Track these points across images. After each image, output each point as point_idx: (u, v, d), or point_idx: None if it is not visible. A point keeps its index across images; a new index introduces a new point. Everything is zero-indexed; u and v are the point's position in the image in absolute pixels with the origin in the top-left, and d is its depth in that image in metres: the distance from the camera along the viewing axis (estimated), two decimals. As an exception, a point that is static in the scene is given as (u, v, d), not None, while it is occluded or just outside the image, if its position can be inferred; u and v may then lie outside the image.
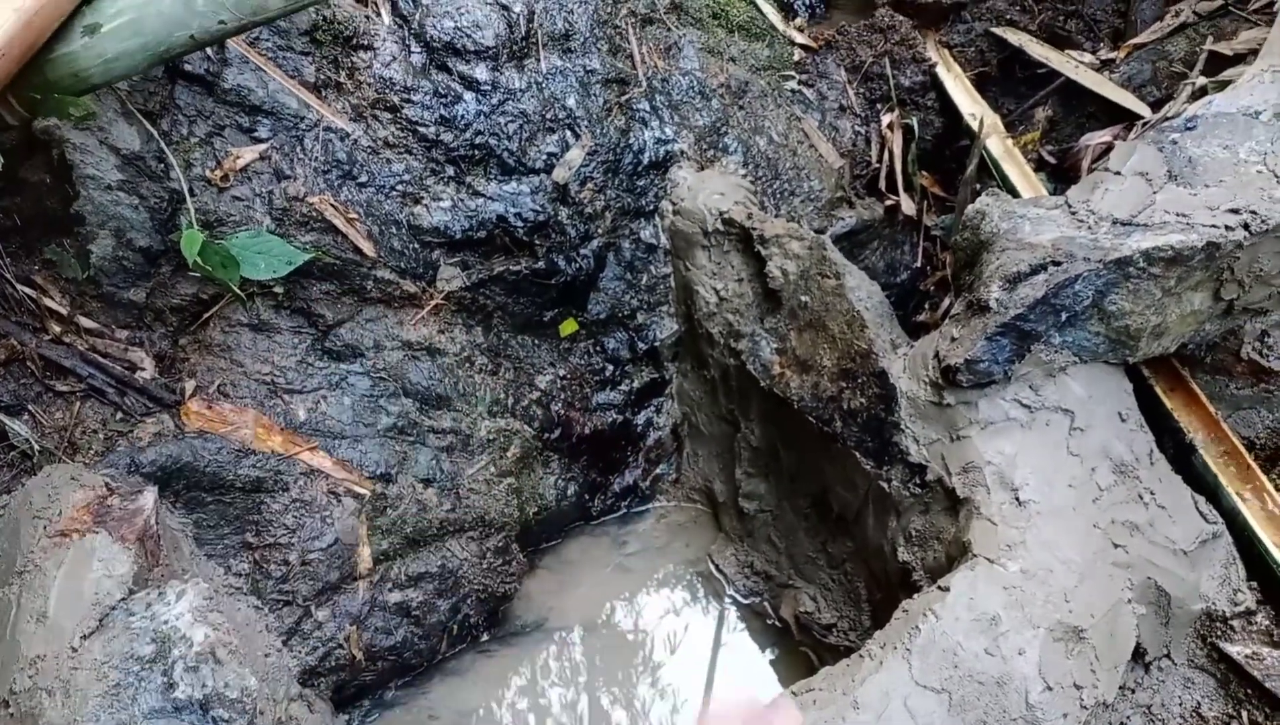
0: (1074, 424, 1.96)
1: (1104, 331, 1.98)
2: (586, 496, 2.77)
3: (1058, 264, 1.95)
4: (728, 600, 2.61)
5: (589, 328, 2.72)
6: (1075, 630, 1.65)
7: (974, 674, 1.59)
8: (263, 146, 2.32)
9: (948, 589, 1.70)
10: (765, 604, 2.60)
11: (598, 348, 2.74)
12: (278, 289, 2.31)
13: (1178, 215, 1.97)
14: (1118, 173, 2.15)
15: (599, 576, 2.70)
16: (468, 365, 2.53)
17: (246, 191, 2.27)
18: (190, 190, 2.16)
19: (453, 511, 2.41)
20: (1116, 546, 1.81)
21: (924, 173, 3.20)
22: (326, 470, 2.27)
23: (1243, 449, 2.04)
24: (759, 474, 2.65)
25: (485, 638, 2.53)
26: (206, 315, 2.29)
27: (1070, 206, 2.09)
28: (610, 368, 2.75)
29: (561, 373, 2.69)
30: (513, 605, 2.60)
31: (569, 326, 2.69)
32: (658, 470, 2.87)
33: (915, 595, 1.77)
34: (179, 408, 2.20)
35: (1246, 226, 1.94)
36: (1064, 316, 1.95)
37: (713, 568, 2.69)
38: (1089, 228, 2.01)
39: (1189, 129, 2.20)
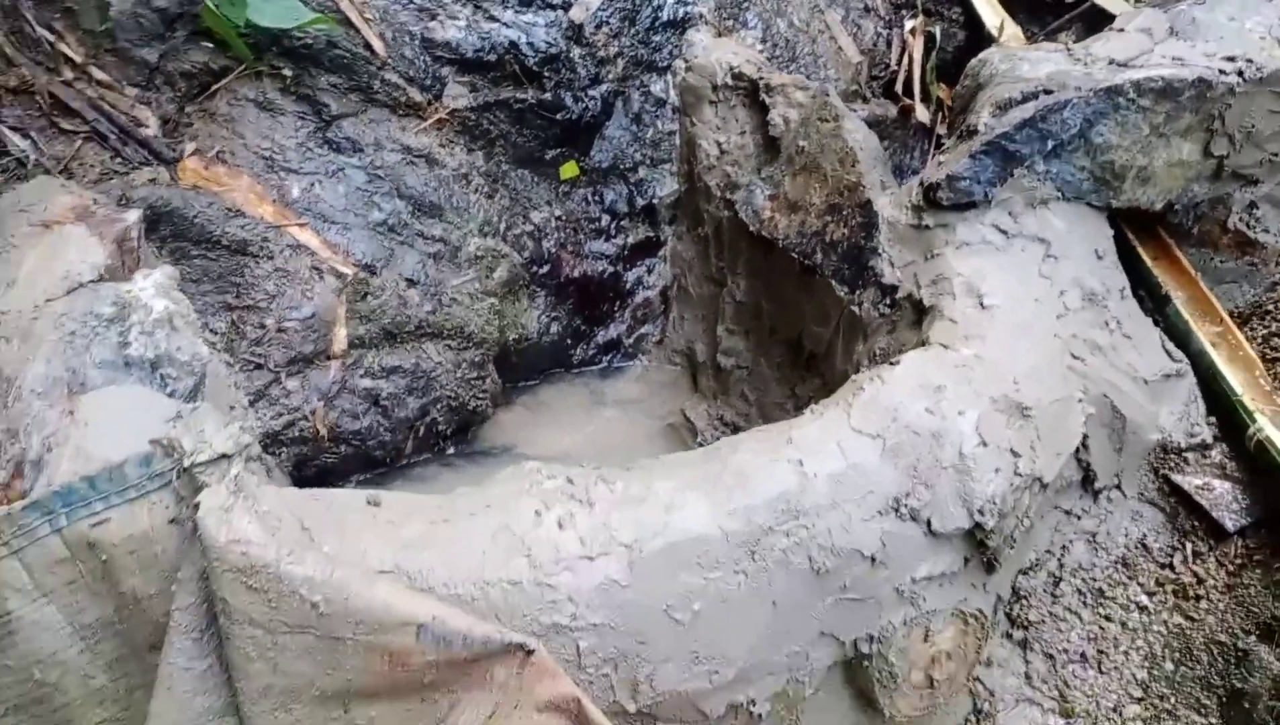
0: (1049, 252, 1.96)
1: (1089, 166, 1.98)
2: (569, 341, 2.79)
3: (1049, 92, 1.96)
4: (695, 446, 2.61)
5: (589, 175, 2.76)
6: (1020, 407, 1.64)
7: (910, 426, 1.59)
8: (290, -64, 2.38)
9: (898, 363, 1.71)
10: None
11: (596, 197, 2.78)
12: (286, 71, 2.36)
13: (1173, 58, 1.98)
14: (1122, 30, 2.16)
15: (572, 417, 2.71)
16: (464, 182, 2.57)
17: (268, -29, 2.33)
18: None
19: (433, 314, 2.44)
20: (1076, 357, 1.80)
21: (941, 84, 3.21)
22: (313, 247, 2.31)
23: (1217, 304, 2.02)
24: (739, 332, 2.66)
25: (451, 451, 2.55)
26: (215, 86, 2.34)
27: (1069, 50, 2.10)
28: (607, 219, 2.78)
29: (557, 213, 2.73)
30: (482, 429, 2.62)
31: (570, 169, 2.73)
32: (643, 329, 2.89)
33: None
34: (176, 164, 2.25)
35: (1240, 73, 1.94)
36: (1050, 144, 1.95)
37: (683, 420, 2.69)
38: (1084, 65, 2.02)
39: (1198, 2, 2.21)
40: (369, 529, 1.43)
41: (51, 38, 2.22)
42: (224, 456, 1.35)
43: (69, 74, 2.23)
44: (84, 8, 2.23)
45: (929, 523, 1.55)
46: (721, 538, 1.47)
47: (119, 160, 2.21)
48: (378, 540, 1.42)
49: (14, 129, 2.11)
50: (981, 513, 1.55)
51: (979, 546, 1.61)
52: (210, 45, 2.29)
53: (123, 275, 1.86)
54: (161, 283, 1.69)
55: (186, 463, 1.34)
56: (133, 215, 1.95)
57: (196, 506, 1.33)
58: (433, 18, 2.52)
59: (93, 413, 1.54)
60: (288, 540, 1.34)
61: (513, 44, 2.57)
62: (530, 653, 1.37)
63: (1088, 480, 1.86)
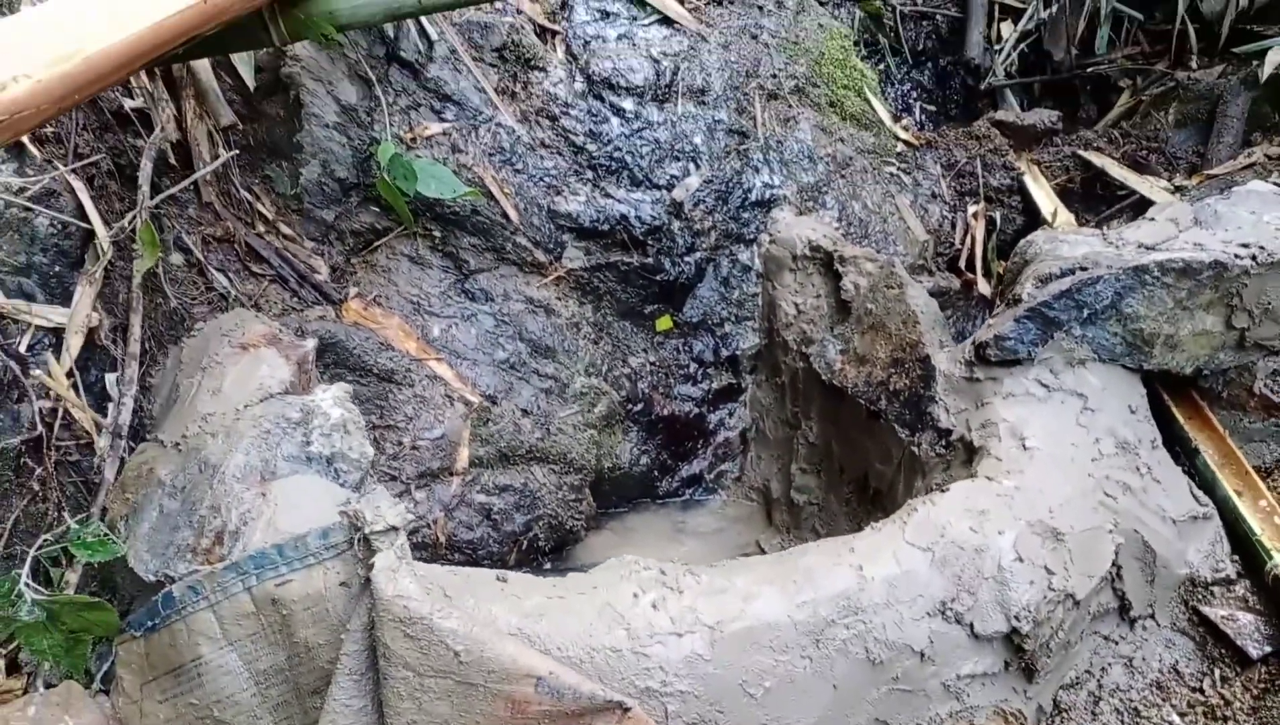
0: (1086, 405, 2.24)
1: (1121, 332, 2.28)
2: (656, 473, 3.11)
3: (1084, 269, 2.29)
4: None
5: (682, 328, 3.14)
6: (1054, 531, 1.89)
7: (957, 541, 1.85)
8: (447, 125, 2.90)
9: (948, 490, 1.99)
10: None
11: (686, 347, 3.15)
12: (436, 233, 2.84)
13: (1195, 244, 2.30)
14: (1151, 219, 2.50)
15: (655, 544, 3.00)
16: (575, 330, 2.97)
17: (428, 152, 2.84)
18: (389, 134, 2.74)
19: (542, 441, 2.79)
20: (1108, 495, 2.05)
21: (1001, 262, 3.57)
22: (447, 378, 2.71)
23: (1241, 457, 2.26)
24: (811, 471, 2.95)
25: (548, 565, 2.84)
26: (377, 243, 2.82)
27: (1104, 234, 2.44)
28: (695, 366, 3.15)
29: (652, 360, 3.10)
30: (576, 549, 2.92)
31: (665, 323, 3.12)
32: (723, 466, 3.19)
33: (921, 500, 2.04)
34: (341, 305, 2.70)
35: (1254, 257, 2.24)
36: (1085, 312, 2.27)
37: (758, 550, 2.95)
38: (1116, 247, 2.35)
39: (1223, 197, 2.54)
40: (498, 599, 1.74)
41: (251, 198, 2.73)
42: (393, 528, 1.69)
43: (262, 228, 2.73)
44: (279, 176, 2.75)
45: (972, 625, 1.79)
46: (791, 625, 1.74)
47: (296, 299, 2.67)
48: (505, 608, 1.72)
49: (218, 270, 2.59)
50: (1018, 618, 1.79)
51: (1017, 651, 1.83)
52: (377, 209, 2.78)
53: (301, 390, 2.27)
54: (338, 396, 2.08)
55: (366, 530, 1.68)
56: (311, 343, 2.37)
57: (371, 566, 1.66)
58: (558, 193, 2.99)
59: (281, 495, 1.91)
60: (438, 600, 1.66)
61: (623, 216, 3.02)
62: (627, 710, 1.64)
63: (1124, 609, 2.07)
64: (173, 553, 1.90)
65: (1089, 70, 4.02)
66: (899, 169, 3.57)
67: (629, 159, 3.07)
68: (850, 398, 2.69)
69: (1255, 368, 2.39)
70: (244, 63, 2.63)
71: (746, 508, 3.17)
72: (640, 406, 3.06)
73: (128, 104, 2.46)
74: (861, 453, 2.72)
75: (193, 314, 2.48)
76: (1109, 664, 2.07)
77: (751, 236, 3.20)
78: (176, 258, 2.54)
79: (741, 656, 1.71)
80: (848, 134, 3.51)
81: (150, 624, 1.85)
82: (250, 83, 2.65)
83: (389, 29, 2.79)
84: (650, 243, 3.06)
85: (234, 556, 1.82)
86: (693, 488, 3.18)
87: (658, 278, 3.08)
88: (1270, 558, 2.01)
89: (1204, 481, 2.23)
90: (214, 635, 1.81)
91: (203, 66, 2.57)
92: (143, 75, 2.47)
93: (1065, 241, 2.44)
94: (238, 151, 2.67)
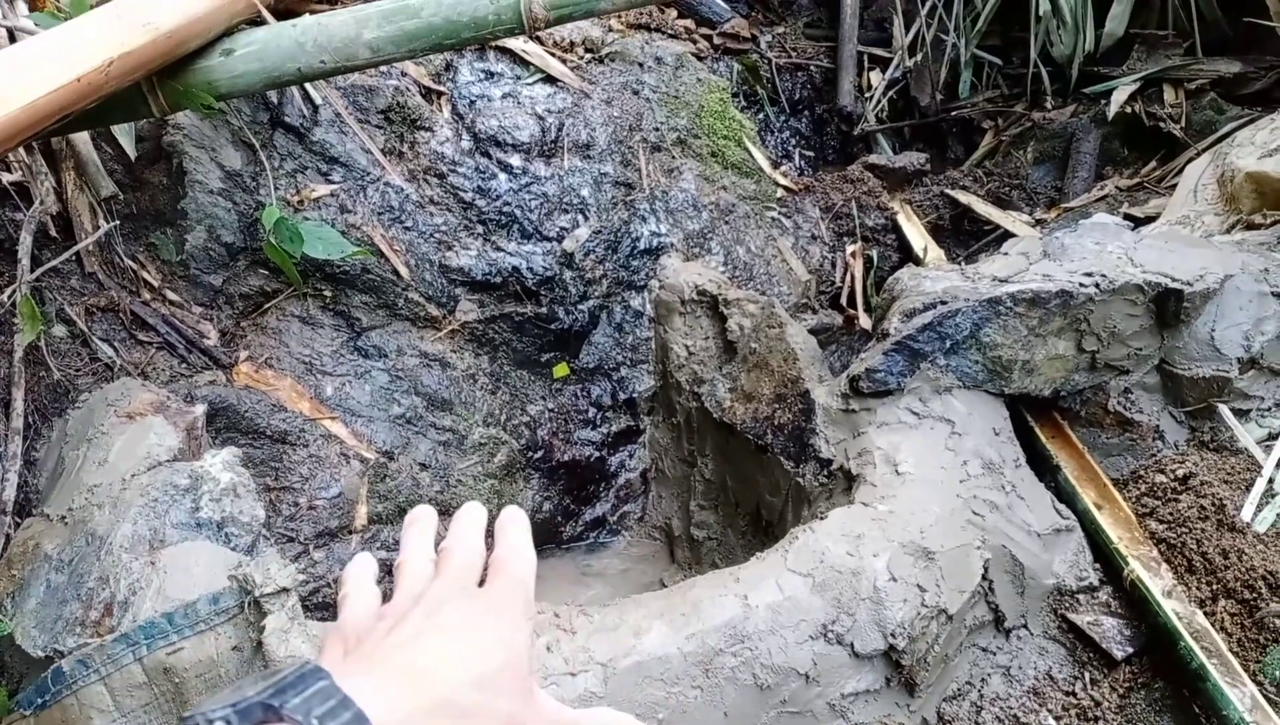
0: (954, 430, 2.38)
1: (981, 360, 2.44)
2: (559, 519, 3.16)
3: (944, 303, 2.45)
4: (671, 610, 2.93)
5: (578, 374, 3.22)
6: (925, 551, 2.01)
7: (835, 566, 1.95)
8: (334, 187, 2.95)
9: (825, 517, 2.09)
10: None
11: (584, 392, 3.23)
12: (326, 292, 2.87)
13: (1044, 276, 2.48)
14: (1005, 253, 2.68)
15: (562, 588, 3.04)
16: (471, 381, 3.02)
17: (315, 215, 2.87)
18: (275, 198, 2.77)
19: (441, 493, 2.82)
20: (976, 514, 2.18)
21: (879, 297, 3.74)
22: (342, 437, 2.72)
23: (1099, 471, 2.43)
24: (709, 506, 3.04)
25: (453, 618, 2.86)
26: (267, 305, 2.83)
27: (962, 269, 2.61)
28: (593, 411, 3.22)
29: (550, 406, 3.17)
30: (482, 599, 2.94)
31: (561, 370, 3.19)
32: (626, 507, 3.26)
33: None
34: (232, 368, 2.70)
35: (1098, 285, 2.43)
36: (948, 342, 2.41)
37: (662, 588, 3.02)
38: (973, 281, 2.52)
39: (1070, 230, 2.74)
40: (393, 652, 1.77)
41: (135, 266, 2.73)
42: (284, 589, 1.71)
43: (147, 295, 2.72)
44: (164, 243, 2.75)
45: (852, 645, 1.89)
46: (681, 657, 1.81)
47: (185, 365, 2.66)
48: (401, 660, 1.75)
49: (102, 340, 2.57)
50: (894, 635, 1.89)
51: (896, 667, 1.93)
52: (266, 272, 2.80)
53: (190, 456, 2.27)
54: (227, 460, 2.09)
55: (256, 593, 1.69)
56: (199, 408, 2.37)
57: (262, 629, 1.67)
58: (449, 248, 3.05)
59: (170, 563, 1.91)
60: (330, 658, 1.68)
61: (515, 268, 3.09)
62: (523, 751, 1.68)
63: (999, 620, 2.19)
64: (61, 627, 1.88)
65: (954, 113, 4.28)
66: (780, 213, 3.73)
67: (518, 213, 3.16)
68: (740, 433, 2.79)
69: (1109, 387, 2.56)
70: (124, 133, 2.64)
71: (650, 547, 3.24)
72: (540, 453, 3.12)
73: (5, 177, 2.45)
74: (753, 486, 2.82)
75: (77, 385, 2.46)
76: (988, 674, 2.19)
77: (642, 283, 3.31)
78: (59, 330, 2.52)
79: (634, 691, 1.77)
80: (730, 182, 3.66)
81: (40, 701, 1.82)
82: (131, 152, 2.65)
83: (272, 95, 2.83)
84: (543, 293, 3.14)
85: (124, 627, 1.82)
86: (597, 530, 3.24)
87: (552, 326, 3.15)
88: (1127, 564, 2.16)
89: (1065, 496, 2.38)
90: (106, 708, 1.79)
91: (82, 138, 2.57)
92: (20, 149, 2.46)
93: (927, 277, 2.60)
94: (120, 221, 2.67)
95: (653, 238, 3.35)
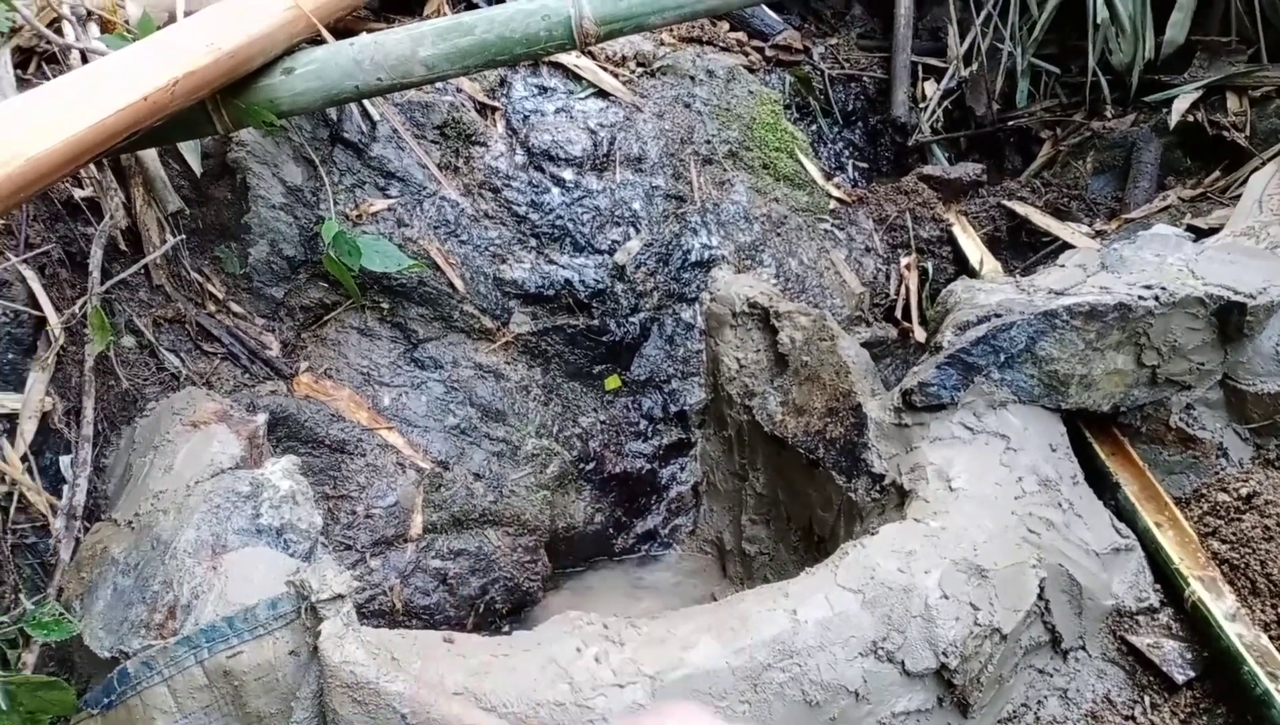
0: (1009, 446, 2.35)
1: (1037, 374, 2.40)
2: (611, 530, 3.17)
3: (999, 316, 2.42)
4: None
5: (630, 386, 3.24)
6: (978, 568, 1.98)
7: (886, 582, 1.93)
8: (392, 201, 3.01)
9: (877, 533, 2.07)
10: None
11: (635, 405, 3.24)
12: (384, 305, 2.92)
13: (1101, 288, 2.43)
14: (1062, 266, 2.64)
15: (613, 601, 3.05)
16: (524, 393, 3.05)
17: (373, 229, 2.93)
18: (334, 212, 2.83)
19: (495, 504, 2.85)
20: (1031, 531, 2.14)
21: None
22: (398, 446, 2.77)
23: (1161, 489, 2.37)
24: (761, 521, 3.03)
25: (506, 628, 2.88)
26: (327, 317, 2.90)
27: (1017, 282, 2.57)
28: (644, 423, 3.23)
29: (602, 418, 3.19)
30: (534, 610, 2.97)
31: (613, 382, 3.21)
32: (677, 520, 3.26)
33: (854, 544, 2.13)
34: (292, 379, 2.77)
35: (1157, 298, 2.38)
36: (1002, 356, 2.38)
37: (712, 602, 3.02)
38: (1028, 294, 2.48)
39: (1129, 241, 2.69)
40: (444, 659, 1.80)
41: (200, 279, 2.81)
42: (339, 596, 1.75)
43: (212, 307, 2.80)
44: (228, 257, 2.83)
45: (903, 663, 1.87)
46: (729, 671, 1.81)
47: (247, 375, 2.73)
48: (451, 668, 1.78)
49: (169, 350, 2.65)
50: (946, 654, 1.87)
51: (948, 686, 1.91)
52: (326, 284, 2.87)
53: (252, 464, 2.33)
54: (287, 468, 2.14)
55: (313, 599, 1.73)
56: (261, 418, 2.43)
57: (318, 634, 1.71)
58: (503, 261, 3.09)
59: (232, 568, 1.95)
60: (384, 664, 1.71)
61: (568, 281, 3.12)
62: (572, 762, 1.69)
63: (1056, 641, 2.15)
64: (127, 629, 1.93)
65: (1010, 123, 4.22)
66: (833, 225, 3.72)
67: (571, 226, 3.19)
68: (791, 447, 2.78)
69: (1170, 403, 2.51)
70: (190, 150, 2.72)
71: (702, 560, 3.24)
72: (592, 465, 3.14)
73: (77, 194, 2.54)
74: (805, 501, 2.80)
75: (145, 394, 2.53)
76: (1045, 696, 2.15)
77: (693, 296, 3.32)
78: (128, 340, 2.60)
79: (682, 704, 1.77)
80: (782, 194, 3.66)
81: (107, 701, 1.88)
82: (197, 169, 2.74)
83: (332, 112, 2.90)
84: (595, 305, 3.16)
85: (186, 630, 1.87)
86: (648, 543, 3.25)
87: (604, 338, 3.18)
88: (1188, 585, 2.11)
89: (1125, 514, 2.33)
90: (169, 709, 1.84)
91: (150, 155, 2.66)
92: (91, 166, 2.55)
93: (982, 290, 2.57)
94: (186, 235, 2.75)
95: (704, 250, 3.36)
